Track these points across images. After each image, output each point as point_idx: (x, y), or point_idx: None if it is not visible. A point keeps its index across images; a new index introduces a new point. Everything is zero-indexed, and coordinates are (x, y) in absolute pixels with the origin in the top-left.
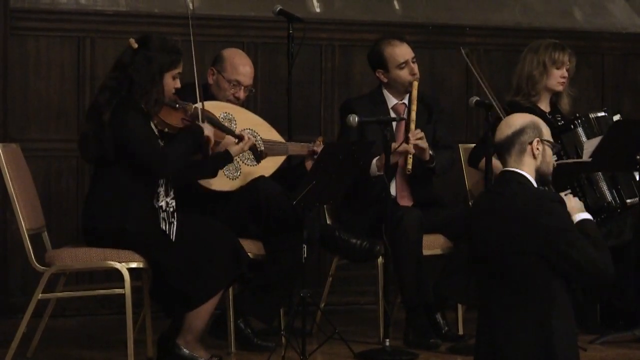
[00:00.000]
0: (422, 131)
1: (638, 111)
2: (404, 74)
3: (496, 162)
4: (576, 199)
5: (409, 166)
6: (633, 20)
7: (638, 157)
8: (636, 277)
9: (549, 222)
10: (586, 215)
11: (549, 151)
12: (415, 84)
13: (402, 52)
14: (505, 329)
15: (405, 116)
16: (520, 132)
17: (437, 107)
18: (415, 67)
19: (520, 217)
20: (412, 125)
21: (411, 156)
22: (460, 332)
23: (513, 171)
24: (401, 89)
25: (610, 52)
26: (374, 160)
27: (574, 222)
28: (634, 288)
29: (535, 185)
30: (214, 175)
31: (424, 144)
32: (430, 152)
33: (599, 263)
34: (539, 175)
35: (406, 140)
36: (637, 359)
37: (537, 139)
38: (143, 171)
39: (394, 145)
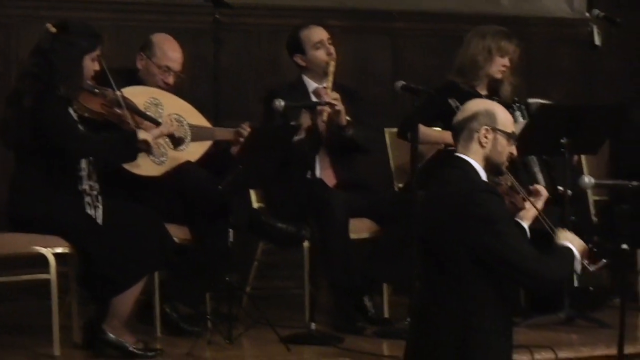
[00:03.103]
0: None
1: (564, 96)
2: (321, 54)
3: (426, 130)
4: (576, 237)
5: (324, 118)
6: (559, 5)
7: (563, 141)
8: None
9: (476, 213)
10: (569, 245)
11: (502, 140)
12: (333, 63)
13: (317, 33)
14: (428, 314)
15: (327, 100)
16: (471, 118)
17: (357, 94)
18: (331, 48)
19: (450, 205)
20: (329, 90)
21: (327, 113)
22: (386, 315)
23: (458, 157)
24: (319, 71)
25: (537, 38)
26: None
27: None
28: None
29: (481, 173)
30: (133, 159)
31: (339, 106)
32: (347, 117)
33: (537, 267)
34: (489, 164)
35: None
36: (561, 341)
37: (487, 127)
38: (62, 155)
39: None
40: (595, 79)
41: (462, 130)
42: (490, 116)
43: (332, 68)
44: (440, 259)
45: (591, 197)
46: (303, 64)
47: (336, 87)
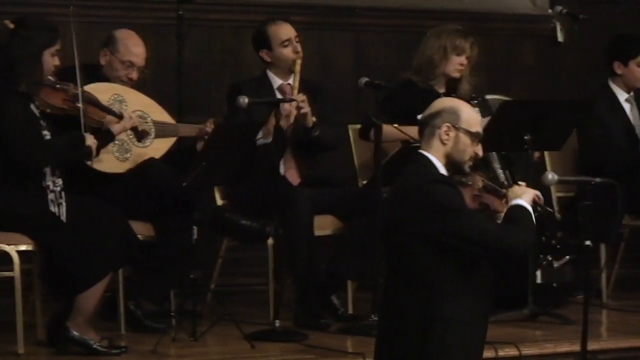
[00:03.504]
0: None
1: (526, 92)
2: (288, 52)
3: (387, 128)
4: (523, 187)
5: (291, 119)
6: (522, 2)
7: (526, 137)
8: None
9: (430, 202)
10: (519, 202)
11: (464, 139)
12: (299, 61)
13: (285, 30)
14: (393, 309)
15: (292, 96)
16: (435, 115)
17: (323, 90)
18: (298, 46)
19: (406, 199)
20: (295, 91)
21: (294, 115)
22: (351, 311)
23: (419, 153)
24: (285, 68)
25: (499, 34)
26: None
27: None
28: (516, 270)
29: (440, 169)
30: (97, 154)
31: (306, 108)
32: (314, 118)
33: (502, 237)
34: (450, 162)
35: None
36: (525, 338)
37: (448, 124)
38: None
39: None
40: (557, 74)
41: (425, 127)
42: (454, 114)
43: (298, 67)
44: (403, 253)
45: (555, 194)
46: (269, 60)
47: (302, 84)
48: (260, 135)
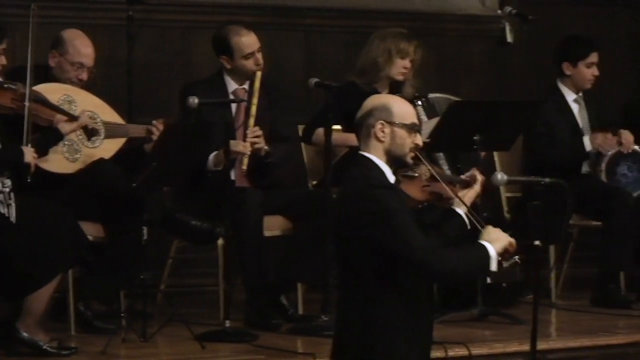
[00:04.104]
0: (261, 119)
1: (476, 92)
2: (249, 64)
3: (336, 135)
4: (498, 232)
5: (244, 166)
6: (471, 2)
7: (475, 137)
8: None
9: (369, 208)
10: (487, 245)
11: (400, 133)
12: (259, 74)
13: (249, 42)
14: (341, 310)
15: (244, 98)
16: (367, 114)
17: (278, 94)
18: (260, 57)
19: (348, 203)
20: (252, 121)
21: (247, 155)
22: (301, 312)
23: (360, 154)
24: (243, 77)
25: (449, 34)
26: (211, 156)
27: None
28: None
29: (383, 168)
30: (44, 154)
31: (260, 143)
32: (267, 147)
33: (434, 254)
34: (391, 157)
35: (244, 136)
36: (475, 338)
37: (382, 121)
38: None
39: (233, 144)
40: (506, 75)
41: (360, 128)
42: (386, 110)
43: (258, 82)
44: (347, 255)
45: (504, 194)
46: (228, 66)
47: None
48: (210, 162)
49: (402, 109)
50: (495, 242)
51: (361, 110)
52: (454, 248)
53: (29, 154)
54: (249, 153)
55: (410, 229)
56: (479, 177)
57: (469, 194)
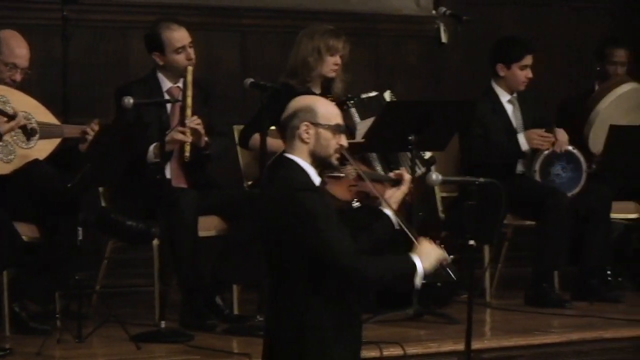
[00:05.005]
0: (198, 117)
1: (411, 92)
2: (181, 58)
3: (271, 141)
4: (431, 247)
5: (187, 153)
6: (406, 3)
7: (410, 137)
8: None
9: (294, 211)
10: (416, 260)
11: (325, 134)
12: (191, 69)
13: (180, 36)
14: (271, 311)
15: (180, 98)
16: (292, 116)
17: (213, 91)
18: (192, 52)
19: (273, 205)
20: (189, 112)
21: (188, 143)
22: (236, 312)
23: (283, 156)
24: (176, 73)
25: (385, 34)
26: (151, 147)
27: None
28: None
29: (307, 169)
30: None
31: (200, 130)
32: (206, 138)
33: (358, 260)
34: (316, 159)
35: (182, 126)
36: (410, 337)
37: (306, 123)
38: None
39: (172, 133)
40: (441, 75)
41: (285, 130)
42: (310, 111)
43: (190, 76)
44: (276, 258)
45: (439, 194)
46: (161, 63)
47: (194, 86)
48: (151, 153)
49: (327, 110)
50: (426, 258)
51: (286, 112)
52: (381, 257)
53: None
54: (189, 140)
55: (334, 234)
56: (407, 176)
57: (397, 194)
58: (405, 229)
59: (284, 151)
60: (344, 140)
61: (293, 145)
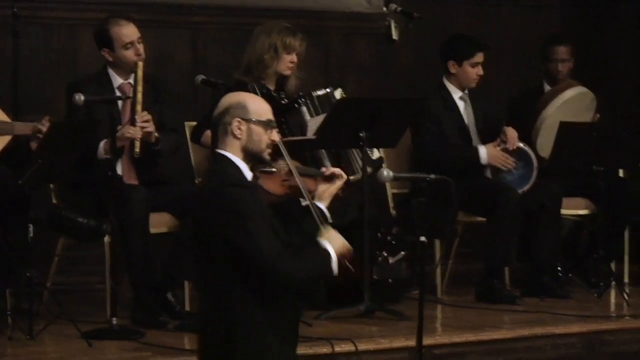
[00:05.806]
0: (148, 113)
1: (361, 90)
2: (130, 54)
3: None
4: (337, 235)
5: (137, 149)
6: (357, 0)
7: (361, 134)
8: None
9: (224, 207)
10: (327, 245)
11: (257, 129)
12: (141, 64)
13: (128, 32)
14: (204, 310)
15: (131, 95)
16: (223, 113)
17: (164, 87)
18: (141, 47)
19: (204, 201)
20: (139, 107)
21: (139, 139)
22: (188, 309)
23: (216, 152)
24: (126, 69)
25: (335, 32)
26: (102, 143)
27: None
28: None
29: (240, 165)
30: None
31: (150, 127)
32: (157, 134)
33: (283, 259)
34: (248, 154)
35: (132, 122)
36: (361, 333)
37: (238, 119)
38: None
39: (122, 130)
40: (392, 72)
41: (217, 126)
42: (242, 108)
43: (140, 71)
44: (207, 255)
45: (390, 190)
46: (110, 59)
47: (145, 81)
48: (101, 149)
49: (258, 106)
50: (334, 242)
51: (217, 109)
52: (301, 254)
53: None
54: (139, 137)
55: (262, 234)
56: (339, 171)
57: (330, 189)
58: (315, 212)
59: (216, 147)
60: (275, 136)
61: (225, 141)
